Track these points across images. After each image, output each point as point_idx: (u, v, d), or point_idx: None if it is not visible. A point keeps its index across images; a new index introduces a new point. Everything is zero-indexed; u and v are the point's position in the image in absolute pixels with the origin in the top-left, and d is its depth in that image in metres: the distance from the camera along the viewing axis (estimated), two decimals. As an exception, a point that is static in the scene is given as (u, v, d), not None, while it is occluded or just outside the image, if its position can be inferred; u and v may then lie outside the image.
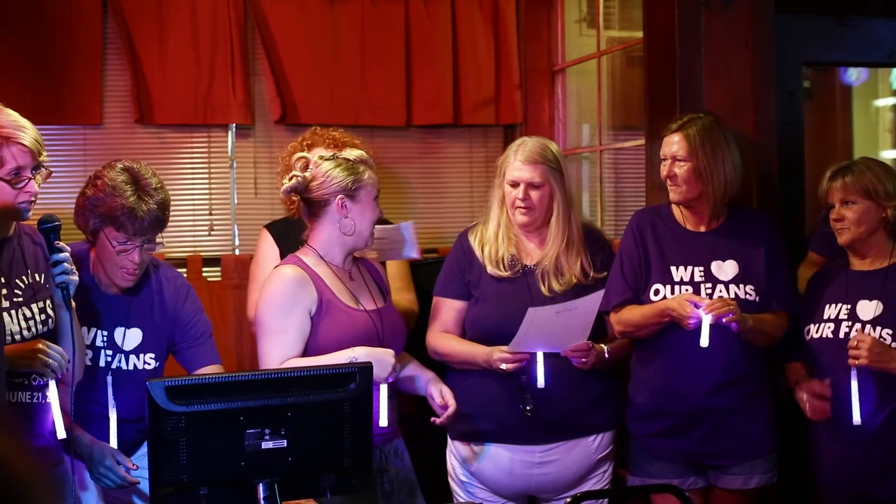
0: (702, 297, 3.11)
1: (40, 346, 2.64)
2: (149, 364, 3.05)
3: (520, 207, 3.25)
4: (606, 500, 3.34)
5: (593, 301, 3.12)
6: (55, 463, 2.77)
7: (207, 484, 2.40)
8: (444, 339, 3.30)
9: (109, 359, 3.01)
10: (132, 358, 3.04)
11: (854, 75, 5.72)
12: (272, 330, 2.91)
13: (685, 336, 3.09)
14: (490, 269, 3.27)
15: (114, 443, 2.93)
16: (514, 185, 3.26)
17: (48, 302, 2.78)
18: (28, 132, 2.66)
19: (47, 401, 2.72)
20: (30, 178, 2.65)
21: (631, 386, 3.34)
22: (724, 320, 3.01)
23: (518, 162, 3.26)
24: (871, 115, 6.05)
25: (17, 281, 2.74)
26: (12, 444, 1.00)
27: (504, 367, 3.14)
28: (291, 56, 4.52)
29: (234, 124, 4.51)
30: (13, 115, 2.68)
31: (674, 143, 3.23)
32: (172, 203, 4.46)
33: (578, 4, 4.98)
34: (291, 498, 2.52)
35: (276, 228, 3.69)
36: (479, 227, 3.36)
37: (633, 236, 3.29)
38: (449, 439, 3.36)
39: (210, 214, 4.56)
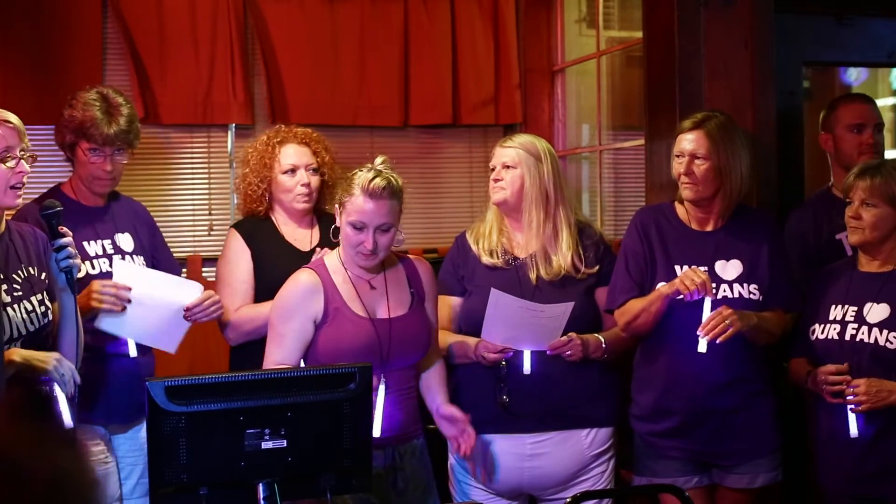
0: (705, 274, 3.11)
1: (54, 360, 2.71)
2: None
3: (493, 185, 3.35)
4: (608, 500, 3.34)
5: (562, 309, 3.12)
6: None
7: (207, 484, 2.40)
8: (439, 335, 3.31)
9: None
10: (136, 258, 3.33)
11: (854, 75, 5.72)
12: (275, 331, 2.95)
13: (689, 335, 3.09)
14: (485, 258, 3.31)
15: (133, 352, 3.26)
16: (493, 167, 3.37)
17: (45, 294, 2.82)
18: (10, 114, 2.75)
19: (54, 394, 2.74)
20: (19, 158, 2.70)
21: (633, 384, 3.34)
22: (719, 341, 3.03)
23: (497, 147, 3.39)
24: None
25: (14, 276, 2.77)
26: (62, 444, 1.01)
27: (487, 357, 3.17)
28: (291, 56, 4.52)
29: (234, 124, 4.51)
30: None
31: (692, 141, 3.21)
32: (172, 203, 4.51)
33: (578, 4, 4.98)
34: (291, 498, 2.52)
35: (244, 229, 3.62)
36: (476, 225, 3.42)
37: (638, 234, 3.28)
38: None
39: (210, 214, 4.56)
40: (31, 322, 2.76)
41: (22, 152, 2.76)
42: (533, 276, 3.28)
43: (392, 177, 2.94)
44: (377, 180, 2.91)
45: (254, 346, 3.48)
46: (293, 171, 3.56)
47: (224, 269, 3.59)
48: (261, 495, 2.42)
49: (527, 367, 3.18)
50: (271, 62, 4.50)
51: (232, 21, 4.43)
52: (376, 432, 2.84)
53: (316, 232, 3.64)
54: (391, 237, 2.96)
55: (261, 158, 3.60)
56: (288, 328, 2.92)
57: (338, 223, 3.00)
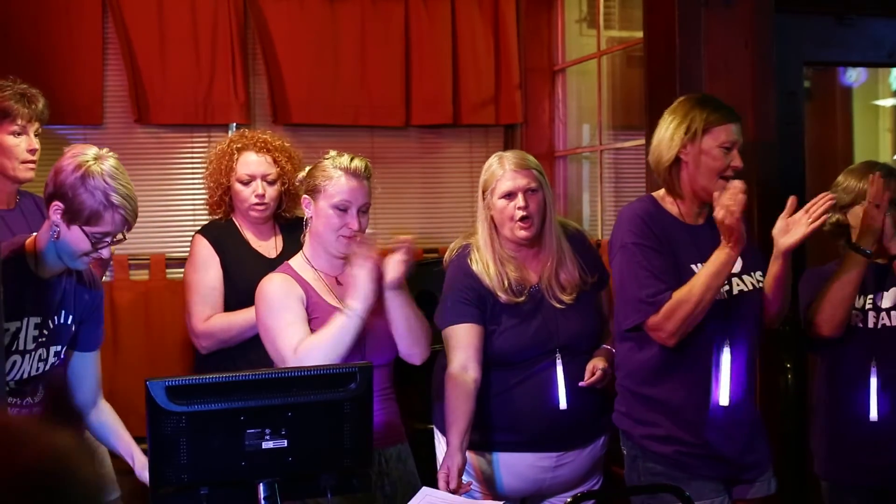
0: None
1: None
2: None
3: (521, 220, 3.11)
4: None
5: None
6: None
7: (208, 484, 2.40)
8: (459, 391, 3.10)
9: None
10: None
11: (853, 76, 5.72)
12: (280, 324, 2.88)
13: (700, 353, 2.96)
14: (504, 297, 3.13)
15: None
16: (511, 195, 3.12)
17: (65, 348, 2.77)
18: (134, 204, 2.63)
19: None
20: (108, 244, 2.63)
21: (643, 404, 3.06)
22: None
23: (510, 171, 3.13)
24: (870, 115, 6.05)
25: (49, 322, 2.70)
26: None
27: (441, 480, 3.03)
28: (291, 56, 4.52)
29: (234, 124, 4.51)
30: (129, 184, 2.64)
31: (739, 132, 3.00)
32: (172, 203, 4.50)
33: (578, 4, 4.98)
34: (291, 498, 2.52)
35: (210, 234, 3.61)
36: (473, 254, 3.20)
37: (649, 230, 2.95)
38: (438, 441, 3.35)
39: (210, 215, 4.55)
40: (35, 370, 2.71)
41: (115, 239, 2.65)
42: (553, 301, 3.19)
43: (364, 158, 2.99)
44: (356, 161, 2.95)
45: (223, 354, 3.48)
46: (248, 181, 3.55)
47: (193, 275, 3.55)
48: (261, 495, 2.43)
49: (563, 404, 3.13)
50: (272, 62, 4.50)
51: (232, 21, 4.43)
52: None
53: (279, 239, 3.63)
54: (367, 220, 2.97)
55: (218, 164, 3.58)
56: (289, 316, 2.87)
57: (310, 214, 2.97)
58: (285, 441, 2.41)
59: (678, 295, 2.87)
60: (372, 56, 4.62)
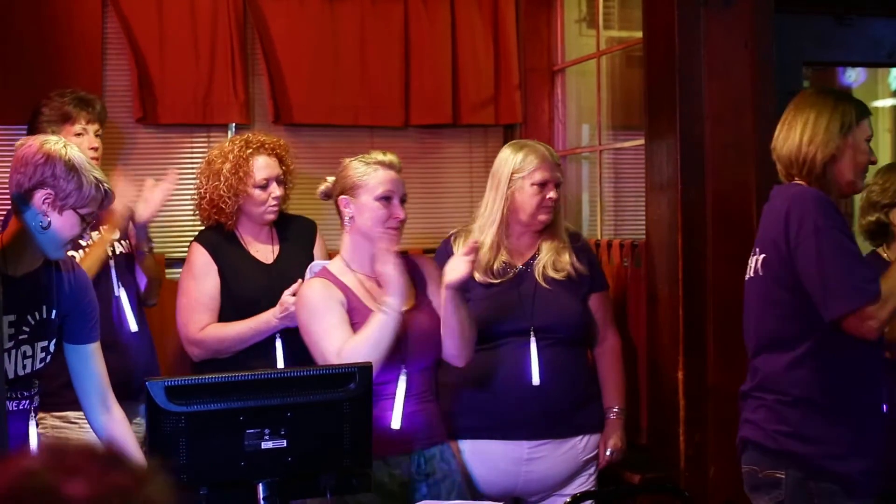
0: None
1: None
2: None
3: (546, 207, 3.30)
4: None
5: None
6: None
7: (207, 484, 2.40)
8: None
9: None
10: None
11: (853, 76, 5.73)
12: (321, 327, 2.88)
13: (875, 357, 2.79)
14: (479, 277, 3.24)
15: (133, 326, 3.53)
16: (543, 184, 3.30)
17: (54, 342, 2.71)
18: (107, 178, 2.66)
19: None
20: (90, 225, 2.67)
21: (819, 421, 2.74)
22: None
23: (547, 163, 3.33)
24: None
25: (28, 317, 2.66)
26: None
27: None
28: (291, 56, 4.51)
29: (234, 124, 4.51)
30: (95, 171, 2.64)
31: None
32: (172, 203, 4.49)
33: (578, 4, 4.98)
34: (291, 498, 2.52)
35: (209, 242, 3.58)
36: (462, 235, 3.34)
37: (836, 211, 2.73)
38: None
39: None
40: (22, 367, 2.66)
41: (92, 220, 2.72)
42: (541, 279, 3.27)
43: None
44: (389, 155, 3.02)
45: (220, 363, 3.47)
46: (266, 185, 3.54)
47: (190, 283, 3.53)
48: (261, 495, 2.43)
49: (536, 380, 3.18)
50: (271, 62, 4.49)
51: (232, 21, 4.43)
52: (396, 424, 2.85)
53: (276, 244, 3.62)
54: (405, 214, 2.99)
55: (235, 172, 3.53)
56: (331, 319, 2.87)
57: (350, 213, 2.95)
58: (285, 441, 2.42)
59: (885, 286, 2.65)
60: (372, 56, 4.61)
